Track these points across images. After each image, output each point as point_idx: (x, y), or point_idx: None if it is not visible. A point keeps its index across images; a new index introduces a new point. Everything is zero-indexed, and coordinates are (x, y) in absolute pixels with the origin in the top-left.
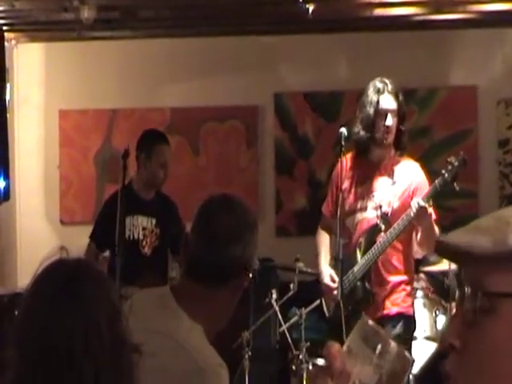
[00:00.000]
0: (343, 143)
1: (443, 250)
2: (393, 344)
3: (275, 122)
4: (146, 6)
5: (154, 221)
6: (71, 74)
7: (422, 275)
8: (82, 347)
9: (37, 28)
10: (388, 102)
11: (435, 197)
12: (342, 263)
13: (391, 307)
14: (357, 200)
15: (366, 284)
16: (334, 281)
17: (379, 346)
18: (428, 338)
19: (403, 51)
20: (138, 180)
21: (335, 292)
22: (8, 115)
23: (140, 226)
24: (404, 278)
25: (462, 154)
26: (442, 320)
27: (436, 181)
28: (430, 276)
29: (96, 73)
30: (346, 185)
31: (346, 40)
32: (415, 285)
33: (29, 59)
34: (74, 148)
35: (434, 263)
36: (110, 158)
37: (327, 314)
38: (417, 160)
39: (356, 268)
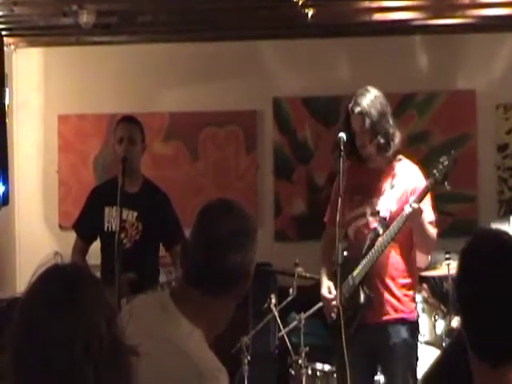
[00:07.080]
0: (342, 148)
1: None
2: None
3: (274, 127)
4: (145, 11)
5: (135, 214)
6: (70, 78)
7: (424, 285)
8: (82, 350)
9: (36, 33)
10: (355, 122)
11: (434, 200)
12: (341, 269)
13: (392, 312)
14: (357, 207)
15: (365, 288)
16: (330, 292)
17: None
18: (427, 343)
19: (402, 56)
20: None
21: (333, 303)
22: (7, 120)
23: (119, 218)
24: (405, 281)
25: (452, 152)
26: (441, 325)
27: (427, 181)
28: (429, 281)
29: (95, 77)
30: (346, 193)
31: (345, 45)
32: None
33: (28, 64)
34: (73, 153)
35: (432, 268)
36: (109, 163)
37: (328, 320)
38: (415, 164)
39: (355, 273)
